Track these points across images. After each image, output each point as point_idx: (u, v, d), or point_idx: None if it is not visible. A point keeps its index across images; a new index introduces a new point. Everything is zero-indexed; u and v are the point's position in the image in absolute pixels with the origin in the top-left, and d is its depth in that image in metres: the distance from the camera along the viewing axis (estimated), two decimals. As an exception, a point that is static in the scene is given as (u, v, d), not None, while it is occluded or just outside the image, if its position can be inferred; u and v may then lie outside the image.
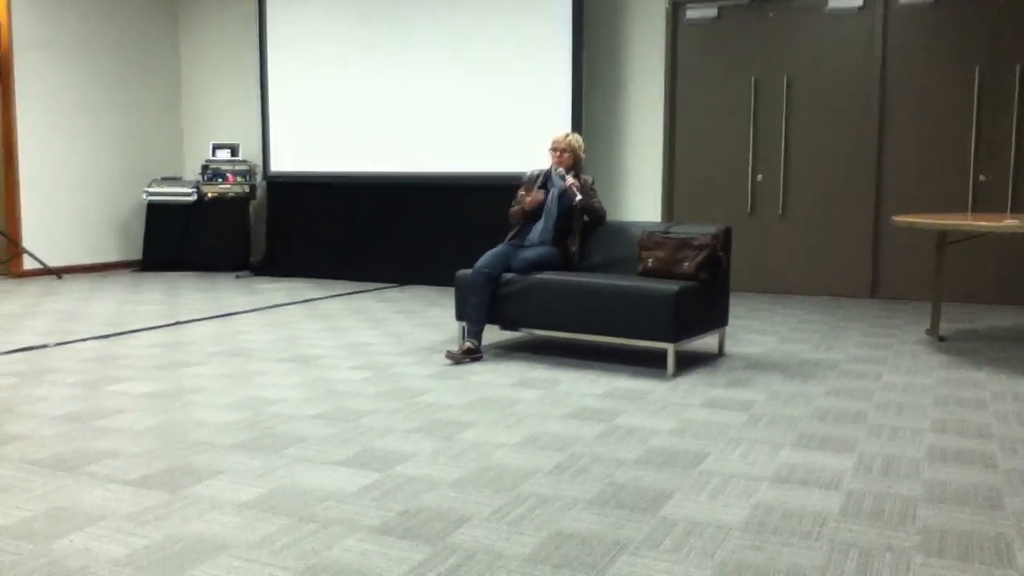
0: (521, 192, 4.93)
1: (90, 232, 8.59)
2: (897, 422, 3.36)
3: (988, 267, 6.56)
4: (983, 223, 4.39)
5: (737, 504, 2.50)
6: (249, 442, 3.07)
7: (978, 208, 6.53)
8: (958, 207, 6.59)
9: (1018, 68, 6.36)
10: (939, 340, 5.05)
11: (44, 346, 4.81)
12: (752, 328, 5.50)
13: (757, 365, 4.42)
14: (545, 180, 4.86)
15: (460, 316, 4.64)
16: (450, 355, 4.42)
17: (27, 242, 7.97)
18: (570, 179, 4.71)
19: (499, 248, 4.72)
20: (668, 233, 4.53)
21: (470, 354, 4.45)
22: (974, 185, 6.55)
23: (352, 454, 2.94)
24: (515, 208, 4.88)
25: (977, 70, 6.46)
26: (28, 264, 7.97)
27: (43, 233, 8.12)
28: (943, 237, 5.11)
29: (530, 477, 2.72)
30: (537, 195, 4.77)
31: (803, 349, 4.83)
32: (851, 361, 4.51)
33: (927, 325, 5.52)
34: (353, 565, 2.09)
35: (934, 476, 2.74)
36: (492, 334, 5.14)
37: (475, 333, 4.52)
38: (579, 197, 4.67)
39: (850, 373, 4.23)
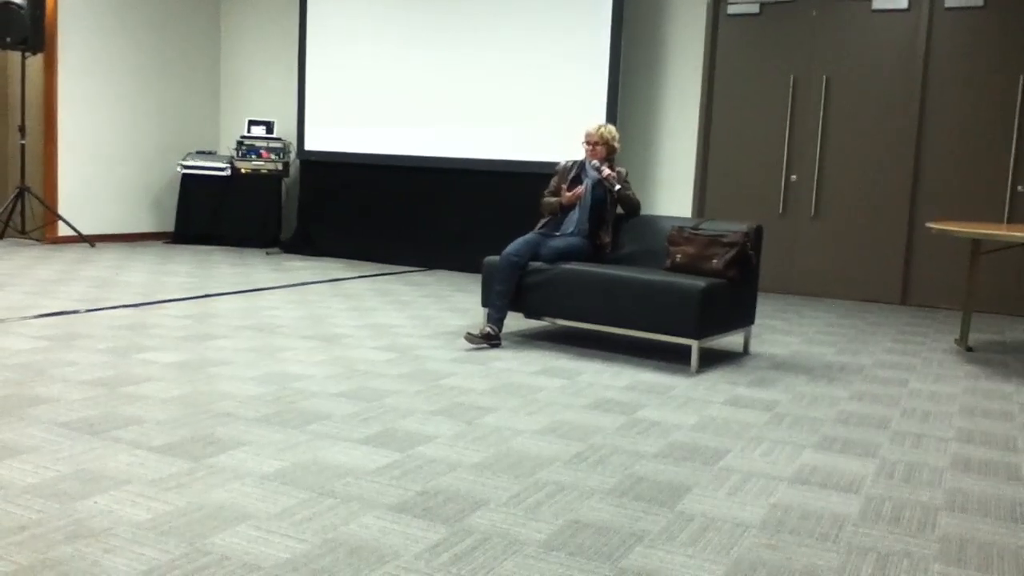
0: (554, 183, 4.92)
1: (124, 202, 8.69)
2: (921, 430, 3.34)
3: (1021, 279, 6.46)
4: (1019, 234, 4.33)
5: (755, 502, 2.49)
6: (272, 416, 3.11)
7: (1015, 219, 6.44)
8: (994, 217, 6.51)
9: (1064, 78, 6.27)
10: (968, 350, 4.99)
11: (76, 312, 4.88)
12: (778, 329, 5.47)
13: (782, 366, 4.39)
14: (579, 171, 4.86)
15: (485, 302, 4.65)
16: (469, 337, 4.43)
17: (62, 209, 8.08)
18: (606, 170, 4.71)
19: (529, 236, 4.72)
20: (698, 229, 4.51)
21: (489, 339, 4.45)
22: (1012, 195, 6.45)
23: (373, 433, 2.96)
24: (551, 200, 4.86)
25: (1021, 79, 6.36)
26: (63, 231, 8.08)
27: (78, 201, 8.23)
28: (977, 246, 5.04)
29: (549, 464, 2.73)
30: (578, 190, 4.75)
31: (829, 352, 4.79)
32: (878, 367, 4.47)
33: (957, 334, 5.46)
34: (370, 542, 2.11)
35: (956, 485, 2.72)
36: (517, 322, 5.15)
37: (497, 320, 4.52)
38: (618, 186, 4.67)
39: (876, 378, 4.20)
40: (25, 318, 4.63)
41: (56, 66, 7.93)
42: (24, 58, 7.78)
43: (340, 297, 5.88)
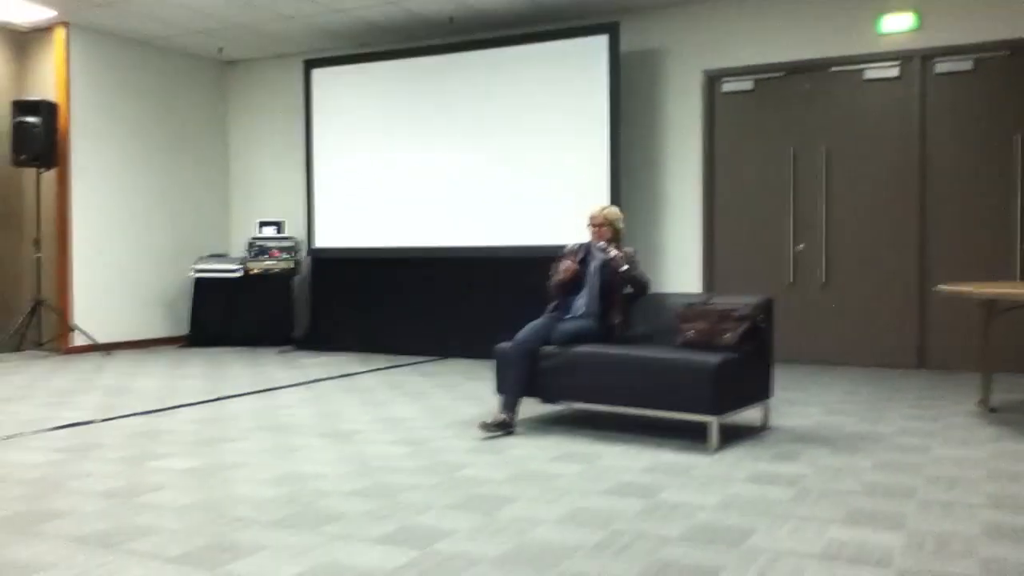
0: (557, 264, 4.95)
1: (139, 308, 8.77)
2: (949, 497, 3.26)
3: (1040, 336, 6.40)
4: (1031, 291, 4.30)
5: (785, 583, 2.42)
6: (288, 518, 3.06)
7: (1026, 275, 6.42)
8: (1005, 274, 6.48)
9: (1061, 134, 6.32)
10: (990, 411, 4.91)
11: (91, 422, 4.87)
12: (796, 400, 5.40)
13: (803, 438, 4.33)
14: (585, 253, 4.88)
15: (499, 389, 4.62)
16: (484, 426, 4.40)
17: (77, 318, 8.14)
18: (613, 251, 4.74)
19: (539, 321, 4.72)
20: (708, 304, 4.51)
21: (504, 427, 4.41)
22: (1022, 252, 6.44)
23: (391, 530, 2.92)
24: (553, 280, 4.89)
25: (1019, 137, 6.42)
26: (78, 340, 8.13)
27: (93, 309, 8.30)
28: (991, 306, 5.01)
29: (572, 555, 2.67)
30: (568, 264, 4.78)
31: (850, 421, 4.73)
32: (899, 434, 4.40)
33: (977, 396, 5.38)
34: (391, 646, 2.06)
35: (990, 554, 2.64)
36: (532, 407, 5.11)
37: (510, 405, 4.49)
38: (625, 267, 4.69)
39: (899, 446, 4.12)
40: (41, 431, 4.63)
41: (69, 179, 8.11)
42: (39, 174, 7.96)
43: (353, 392, 5.86)
